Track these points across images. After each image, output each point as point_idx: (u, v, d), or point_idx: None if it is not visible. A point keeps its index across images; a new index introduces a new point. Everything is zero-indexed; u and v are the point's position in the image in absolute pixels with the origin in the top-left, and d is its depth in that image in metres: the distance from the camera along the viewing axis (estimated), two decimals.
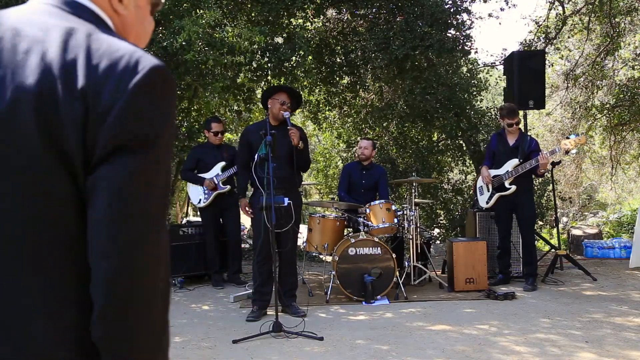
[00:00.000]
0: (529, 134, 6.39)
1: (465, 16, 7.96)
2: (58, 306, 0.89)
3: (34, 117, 0.88)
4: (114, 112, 0.87)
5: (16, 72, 0.91)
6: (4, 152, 0.90)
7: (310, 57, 7.50)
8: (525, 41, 9.94)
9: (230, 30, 5.87)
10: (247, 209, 4.90)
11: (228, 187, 6.04)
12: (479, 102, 9.32)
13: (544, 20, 10.08)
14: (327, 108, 9.76)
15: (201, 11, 5.64)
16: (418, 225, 5.88)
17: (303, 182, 8.02)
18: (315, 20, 8.57)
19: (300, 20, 8.29)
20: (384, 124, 9.49)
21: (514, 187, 5.67)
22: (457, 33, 7.72)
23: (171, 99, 0.95)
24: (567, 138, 5.64)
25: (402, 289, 5.29)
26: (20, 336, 0.88)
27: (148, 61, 0.92)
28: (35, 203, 0.90)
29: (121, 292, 0.87)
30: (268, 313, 4.65)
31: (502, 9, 17.16)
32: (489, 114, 9.27)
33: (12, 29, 0.95)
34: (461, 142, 9.38)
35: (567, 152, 5.61)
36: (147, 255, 0.89)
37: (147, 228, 0.89)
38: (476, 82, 9.20)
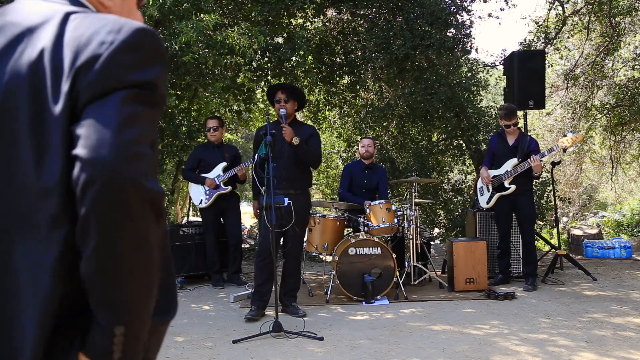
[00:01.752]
0: (529, 134, 6.39)
1: (465, 16, 7.97)
2: None
3: (27, 102, 0.91)
4: (96, 66, 0.88)
5: (12, 57, 0.94)
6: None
7: (310, 57, 7.50)
8: (525, 41, 9.94)
9: (230, 32, 5.88)
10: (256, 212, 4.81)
11: (229, 187, 6.04)
12: (479, 102, 9.32)
13: (544, 21, 10.08)
14: (327, 108, 9.76)
15: (201, 14, 5.65)
16: (418, 225, 5.88)
17: None
18: (315, 20, 8.57)
19: (300, 20, 8.29)
20: (384, 124, 9.49)
21: (513, 187, 5.67)
22: (457, 33, 7.72)
23: (158, 57, 0.95)
24: (565, 136, 5.65)
25: (402, 289, 5.29)
26: None
27: (133, 24, 0.93)
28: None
29: (109, 215, 0.83)
30: (267, 313, 4.65)
31: (502, 9, 17.14)
32: (489, 113, 9.27)
33: (9, 20, 0.98)
34: (461, 142, 9.37)
35: (564, 149, 5.61)
36: (132, 180, 0.85)
37: (131, 150, 0.86)
38: (476, 82, 9.20)
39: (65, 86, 0.88)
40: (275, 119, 4.96)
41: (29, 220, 0.90)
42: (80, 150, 0.85)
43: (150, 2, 5.59)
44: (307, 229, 5.76)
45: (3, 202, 0.93)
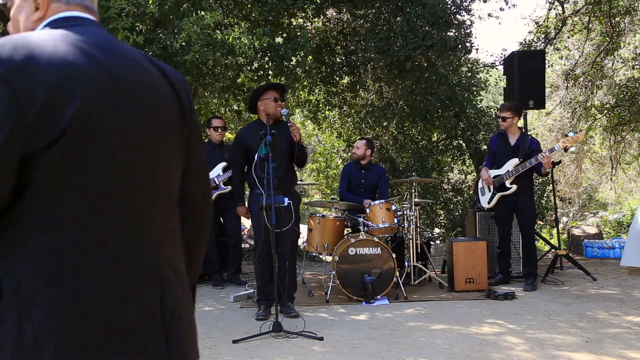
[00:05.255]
0: (529, 134, 6.39)
1: (465, 16, 7.97)
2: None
3: (175, 112, 1.21)
4: (187, 103, 1.26)
5: (144, 75, 1.17)
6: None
7: (310, 57, 7.51)
8: (525, 41, 9.94)
9: (232, 31, 5.87)
10: (247, 214, 4.83)
11: (229, 187, 6.03)
12: (479, 102, 9.33)
13: (544, 21, 10.09)
14: (327, 108, 9.77)
15: (202, 12, 5.65)
16: (418, 225, 5.88)
17: (303, 182, 8.02)
18: (315, 20, 8.58)
19: (301, 20, 8.30)
20: (384, 124, 9.49)
21: (515, 187, 5.67)
22: (458, 33, 7.72)
23: None
24: (566, 136, 5.64)
25: (402, 289, 5.29)
26: None
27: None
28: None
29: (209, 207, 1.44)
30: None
31: (502, 9, 17.20)
32: (489, 113, 9.27)
33: (116, 49, 1.16)
34: (461, 142, 9.38)
35: (566, 149, 5.60)
36: None
37: None
38: (476, 82, 9.20)
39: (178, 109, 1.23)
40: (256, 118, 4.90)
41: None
42: (202, 177, 1.36)
43: (150, 1, 5.59)
44: (307, 229, 5.77)
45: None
